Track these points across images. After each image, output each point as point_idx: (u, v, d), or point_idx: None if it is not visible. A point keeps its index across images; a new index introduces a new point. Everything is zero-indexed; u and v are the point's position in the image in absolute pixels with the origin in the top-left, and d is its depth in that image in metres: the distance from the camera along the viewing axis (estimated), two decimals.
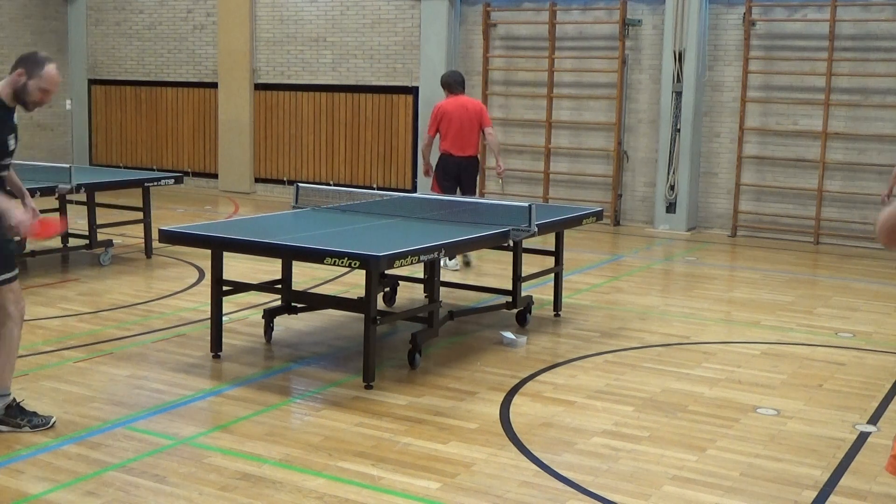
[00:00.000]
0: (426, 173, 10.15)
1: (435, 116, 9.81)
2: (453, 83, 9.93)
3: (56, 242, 10.13)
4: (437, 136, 9.87)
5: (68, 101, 17.14)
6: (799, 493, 4.69)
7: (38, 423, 5.27)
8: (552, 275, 8.03)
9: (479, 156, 10.04)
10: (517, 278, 7.51)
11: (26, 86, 5.05)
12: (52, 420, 5.31)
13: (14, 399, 5.30)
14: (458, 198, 9.28)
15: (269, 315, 7.10)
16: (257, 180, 16.06)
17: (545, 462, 4.97)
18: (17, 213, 5.00)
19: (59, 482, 4.59)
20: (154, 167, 16.60)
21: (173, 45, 16.63)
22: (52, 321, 7.54)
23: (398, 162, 14.85)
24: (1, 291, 5.12)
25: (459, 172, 9.86)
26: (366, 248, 5.93)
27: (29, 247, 9.93)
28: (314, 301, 7.41)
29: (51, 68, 5.09)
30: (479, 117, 9.82)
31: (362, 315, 6.12)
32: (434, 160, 10.07)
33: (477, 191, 10.27)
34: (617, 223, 13.47)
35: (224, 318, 6.92)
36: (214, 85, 16.18)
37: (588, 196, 13.65)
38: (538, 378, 6.39)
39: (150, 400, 5.70)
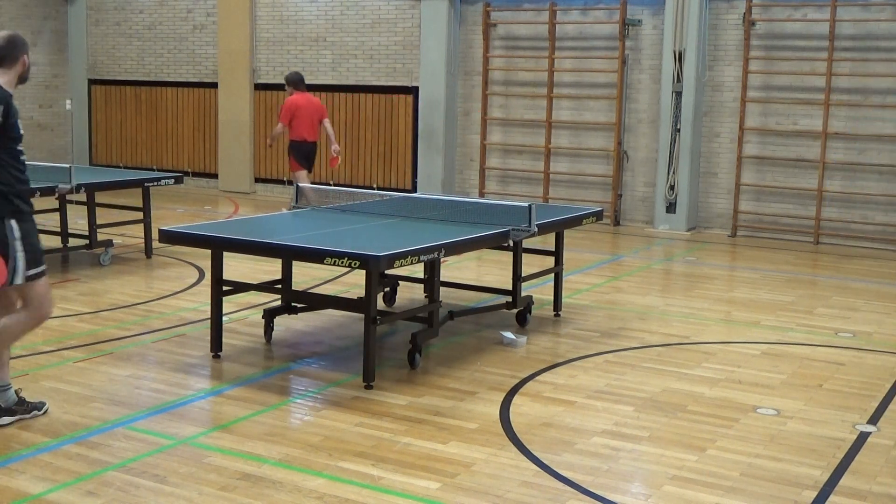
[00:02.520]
0: (270, 145, 12.72)
1: (289, 109, 11.76)
2: (299, 82, 12.02)
3: (56, 242, 10.14)
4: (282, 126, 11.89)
5: (68, 101, 17.14)
6: (799, 493, 4.69)
7: (36, 406, 5.41)
8: (552, 275, 8.03)
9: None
10: (517, 278, 7.51)
11: (28, 66, 5.28)
12: (45, 406, 5.45)
13: (15, 389, 5.41)
14: (456, 198, 9.29)
15: (269, 315, 7.10)
16: (257, 180, 16.06)
17: (545, 462, 4.97)
18: None
19: (59, 482, 4.59)
20: (154, 167, 16.61)
21: (173, 45, 16.63)
22: (52, 321, 7.52)
23: (398, 162, 14.86)
24: (28, 287, 5.22)
25: (311, 153, 11.96)
26: (366, 248, 5.93)
27: None
28: (314, 301, 7.41)
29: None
30: (321, 110, 12.05)
31: (362, 315, 6.12)
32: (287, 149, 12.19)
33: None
34: (617, 223, 13.47)
35: (224, 318, 6.92)
36: (214, 85, 16.17)
37: (588, 196, 13.65)
38: (538, 378, 6.39)
39: (150, 400, 5.70)
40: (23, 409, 5.38)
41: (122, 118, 17.23)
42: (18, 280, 5.16)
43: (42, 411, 5.45)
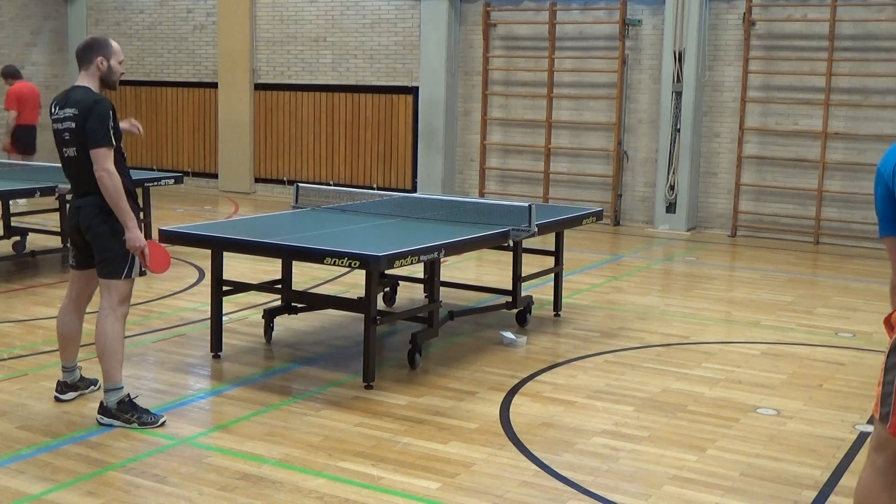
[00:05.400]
0: (6, 148, 13.22)
1: (16, 97, 13.03)
2: (16, 72, 13.50)
3: (56, 242, 10.14)
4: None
5: None
6: (799, 493, 4.69)
7: (147, 420, 5.33)
8: (552, 275, 8.03)
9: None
10: (517, 278, 7.51)
11: (110, 67, 5.38)
12: (162, 419, 5.37)
13: (128, 394, 5.38)
14: (456, 198, 9.29)
15: (269, 315, 7.10)
16: (257, 180, 16.06)
17: (545, 462, 4.97)
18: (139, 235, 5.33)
19: (59, 482, 4.59)
20: (154, 167, 16.60)
21: (173, 45, 16.63)
22: (51, 321, 7.51)
23: (398, 162, 14.86)
24: (120, 285, 5.31)
25: (35, 136, 13.26)
26: (366, 248, 5.93)
27: (29, 247, 9.94)
28: (314, 301, 7.41)
29: (114, 41, 5.46)
30: (38, 97, 13.38)
31: (362, 315, 6.12)
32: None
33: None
34: (617, 223, 13.47)
35: (224, 318, 6.92)
36: (214, 85, 16.17)
37: (588, 196, 13.65)
38: (538, 378, 6.39)
39: (150, 400, 5.70)
40: (128, 416, 5.34)
41: (122, 118, 17.18)
42: (134, 274, 5.35)
43: (157, 423, 5.35)
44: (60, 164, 5.51)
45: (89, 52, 5.35)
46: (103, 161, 5.15)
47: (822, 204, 12.35)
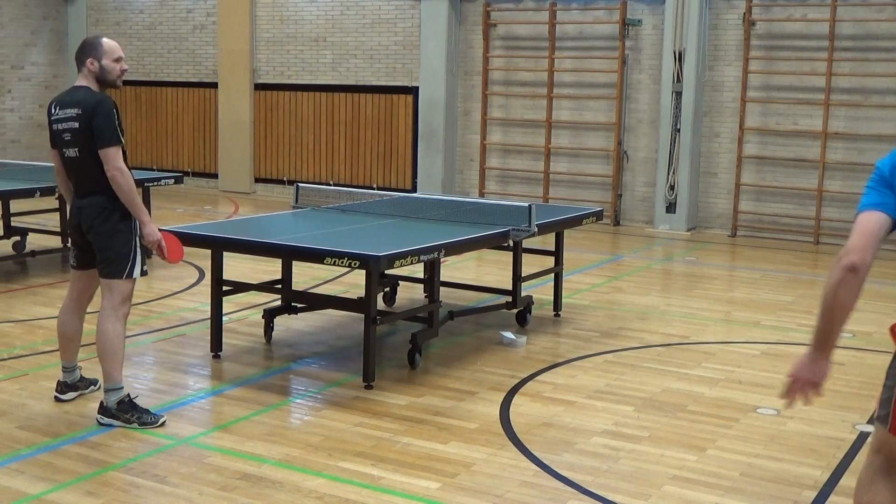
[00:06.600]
0: None
1: None
2: None
3: (56, 242, 10.14)
4: None
5: None
6: (799, 493, 4.69)
7: (147, 420, 5.32)
8: (552, 275, 8.03)
9: None
10: (517, 278, 7.51)
11: (102, 67, 5.30)
12: (162, 419, 5.36)
13: (128, 394, 5.39)
14: (456, 198, 9.29)
15: (269, 315, 7.10)
16: (257, 180, 16.06)
17: (545, 462, 4.97)
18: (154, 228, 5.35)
19: (59, 482, 4.59)
20: (154, 167, 16.61)
21: (173, 45, 16.64)
22: (51, 321, 7.51)
23: (398, 162, 14.86)
24: (122, 285, 5.30)
25: None
26: (366, 248, 5.93)
27: (29, 247, 9.94)
28: (314, 301, 7.41)
29: (106, 40, 5.38)
30: None
31: (362, 315, 6.12)
32: None
33: None
34: (617, 223, 13.47)
35: (224, 318, 6.92)
36: (214, 85, 16.17)
37: (588, 196, 13.65)
38: (538, 378, 6.39)
39: (150, 400, 5.70)
40: (128, 416, 5.33)
41: (122, 118, 17.19)
42: (136, 274, 5.34)
43: (157, 423, 5.34)
44: (54, 165, 5.51)
45: (80, 54, 5.35)
46: (114, 160, 5.17)
47: (822, 204, 12.35)
